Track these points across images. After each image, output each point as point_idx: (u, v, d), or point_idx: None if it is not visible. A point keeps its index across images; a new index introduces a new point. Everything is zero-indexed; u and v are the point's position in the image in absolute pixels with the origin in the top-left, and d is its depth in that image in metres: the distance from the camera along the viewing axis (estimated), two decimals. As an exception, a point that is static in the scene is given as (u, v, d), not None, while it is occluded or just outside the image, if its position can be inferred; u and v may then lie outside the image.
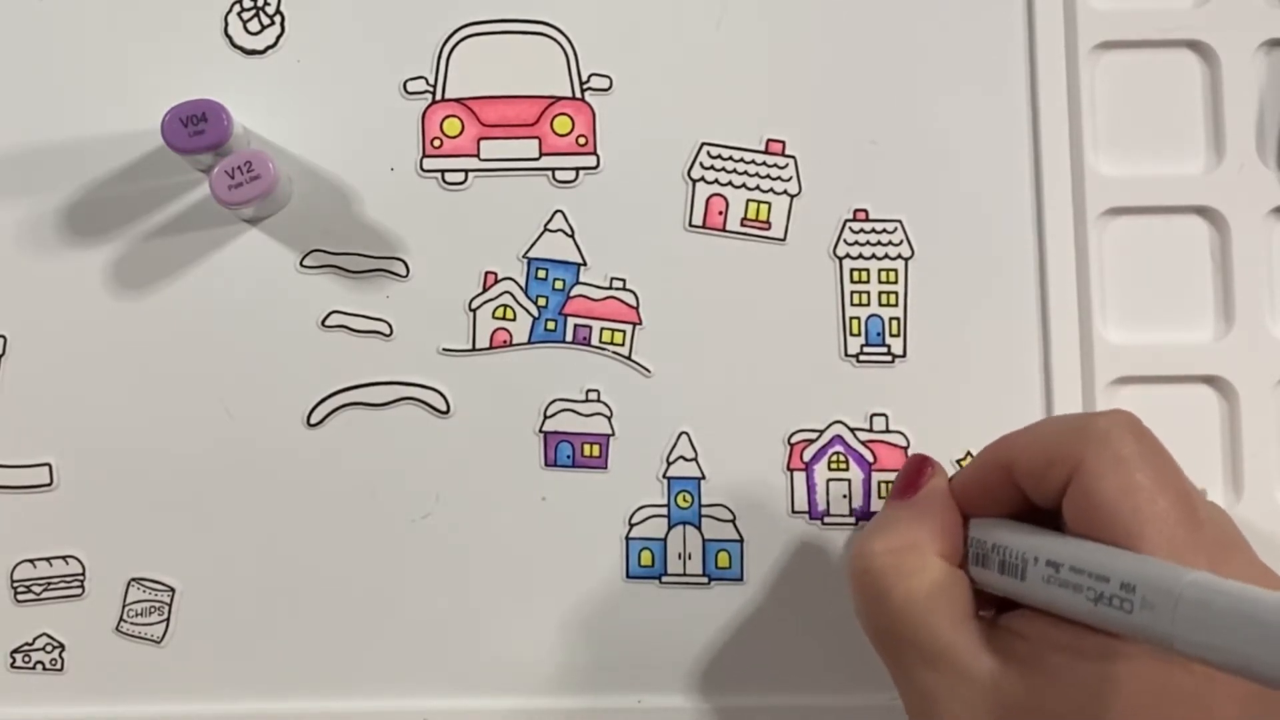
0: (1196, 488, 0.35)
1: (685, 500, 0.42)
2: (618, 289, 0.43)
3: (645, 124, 0.43)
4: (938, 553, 0.34)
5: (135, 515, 0.42)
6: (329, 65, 0.43)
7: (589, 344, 0.42)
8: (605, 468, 0.42)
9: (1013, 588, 0.33)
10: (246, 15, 0.43)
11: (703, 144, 0.43)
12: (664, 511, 0.42)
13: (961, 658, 0.32)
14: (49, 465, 0.42)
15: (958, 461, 0.42)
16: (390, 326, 0.42)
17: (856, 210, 0.43)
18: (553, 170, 0.43)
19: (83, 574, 0.42)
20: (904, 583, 0.33)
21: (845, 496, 0.42)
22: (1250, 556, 0.32)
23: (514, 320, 0.42)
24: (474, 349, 0.42)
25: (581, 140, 0.43)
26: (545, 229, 0.43)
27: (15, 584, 0.42)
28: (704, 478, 0.42)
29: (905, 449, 0.42)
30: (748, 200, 0.43)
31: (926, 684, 0.32)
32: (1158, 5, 0.43)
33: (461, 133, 0.43)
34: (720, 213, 0.43)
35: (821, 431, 0.42)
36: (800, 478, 0.42)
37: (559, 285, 0.42)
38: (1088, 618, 0.30)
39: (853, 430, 0.42)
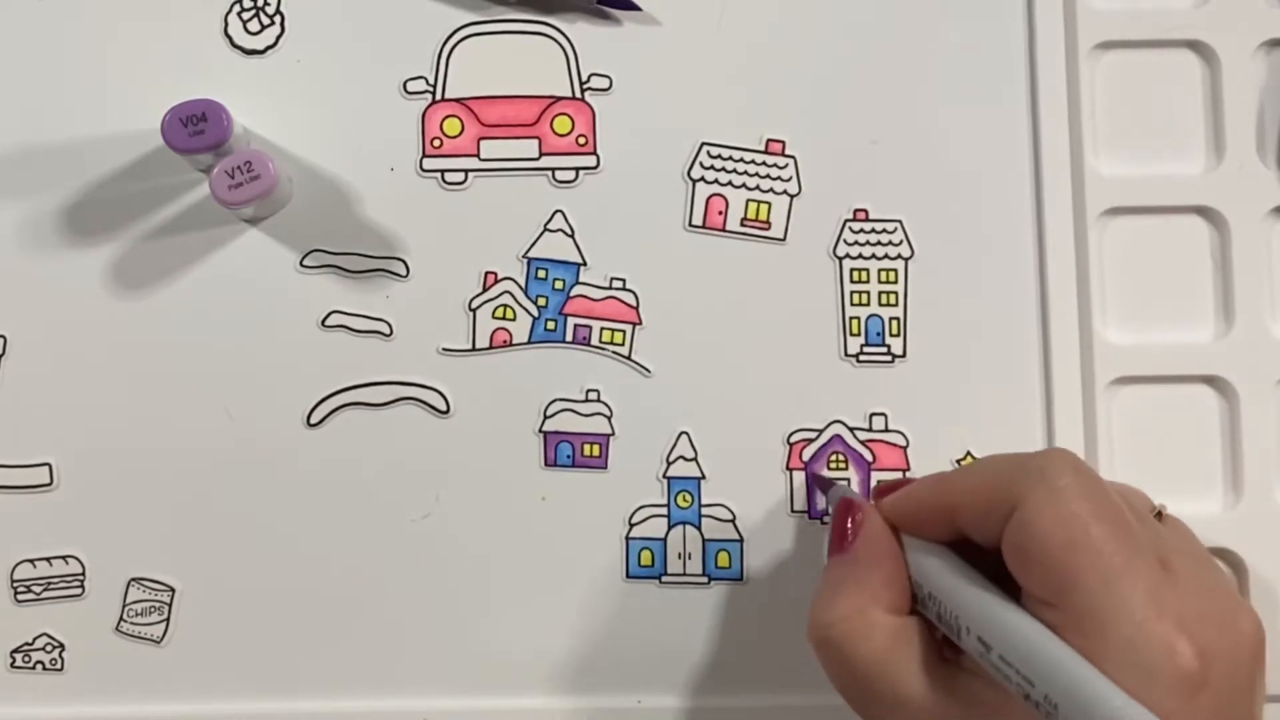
0: (1147, 507, 0.35)
1: (685, 500, 0.42)
2: (618, 289, 0.43)
3: (645, 124, 0.43)
4: (886, 609, 0.34)
5: (135, 515, 0.42)
6: (329, 65, 0.43)
7: (589, 344, 0.42)
8: (605, 468, 0.42)
9: (952, 638, 0.33)
10: (246, 15, 0.43)
11: (703, 144, 0.43)
12: (664, 511, 0.42)
13: (928, 708, 0.32)
14: (49, 465, 0.42)
15: (957, 461, 0.42)
16: (390, 326, 0.42)
17: (856, 210, 0.43)
18: (553, 170, 0.43)
19: (83, 574, 0.42)
20: (860, 647, 0.33)
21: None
22: (1197, 578, 0.32)
23: (514, 320, 0.42)
24: (474, 349, 0.42)
25: (581, 140, 0.43)
26: (545, 229, 0.43)
27: (15, 584, 0.42)
28: (704, 478, 0.42)
29: (905, 449, 0.42)
30: (748, 200, 0.43)
31: None
32: (1158, 5, 0.43)
33: (461, 133, 0.43)
34: (720, 213, 0.43)
35: (821, 431, 0.42)
36: (800, 477, 0.42)
37: (559, 285, 0.42)
38: (1021, 701, 0.30)
39: (852, 430, 0.42)
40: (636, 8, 0.43)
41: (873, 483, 0.42)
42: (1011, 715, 0.31)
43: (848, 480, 0.42)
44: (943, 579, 0.34)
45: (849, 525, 0.36)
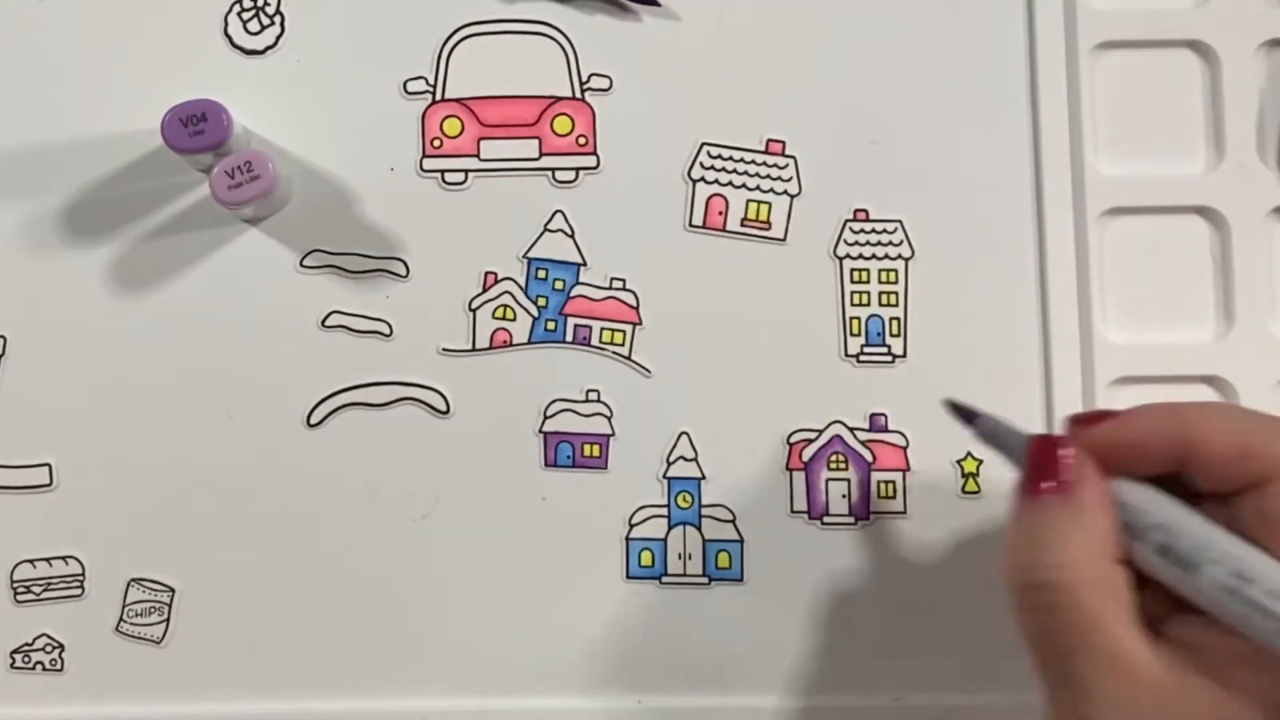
0: None
1: (685, 500, 0.42)
2: (618, 289, 0.43)
3: (645, 124, 0.43)
4: (1109, 558, 0.32)
5: (135, 515, 0.42)
6: (329, 65, 0.43)
7: (589, 344, 0.42)
8: (605, 468, 0.42)
9: (1173, 576, 0.31)
10: (246, 15, 0.43)
11: (703, 144, 0.43)
12: (664, 511, 0.42)
13: (1145, 671, 0.30)
14: (49, 465, 0.42)
15: (958, 462, 0.42)
16: (390, 326, 0.42)
17: (856, 210, 0.43)
18: (553, 170, 0.43)
19: (83, 574, 0.42)
20: (1088, 596, 0.31)
21: (845, 496, 0.42)
22: None
23: (514, 320, 0.42)
24: (474, 349, 0.42)
25: (581, 140, 0.43)
26: (545, 229, 0.43)
27: (15, 584, 0.42)
28: (704, 478, 0.42)
29: (905, 449, 0.42)
30: (748, 200, 0.43)
31: (1107, 696, 0.31)
32: (1158, 5, 0.43)
33: (461, 133, 0.43)
34: (720, 213, 0.43)
35: (821, 431, 0.42)
36: (800, 478, 0.42)
37: (559, 285, 0.42)
38: (1268, 644, 0.29)
39: (852, 430, 0.42)
40: (656, 3, 0.43)
41: (873, 483, 0.42)
42: (1232, 686, 0.30)
43: (844, 467, 0.42)
44: (1174, 509, 0.32)
45: (1059, 464, 0.33)
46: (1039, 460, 0.33)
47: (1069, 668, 0.31)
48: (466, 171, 0.43)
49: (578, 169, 0.43)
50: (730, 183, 0.43)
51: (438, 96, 0.43)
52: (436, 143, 0.43)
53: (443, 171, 0.43)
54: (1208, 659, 0.31)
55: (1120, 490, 0.32)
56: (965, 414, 0.37)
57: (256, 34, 0.43)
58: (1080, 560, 0.31)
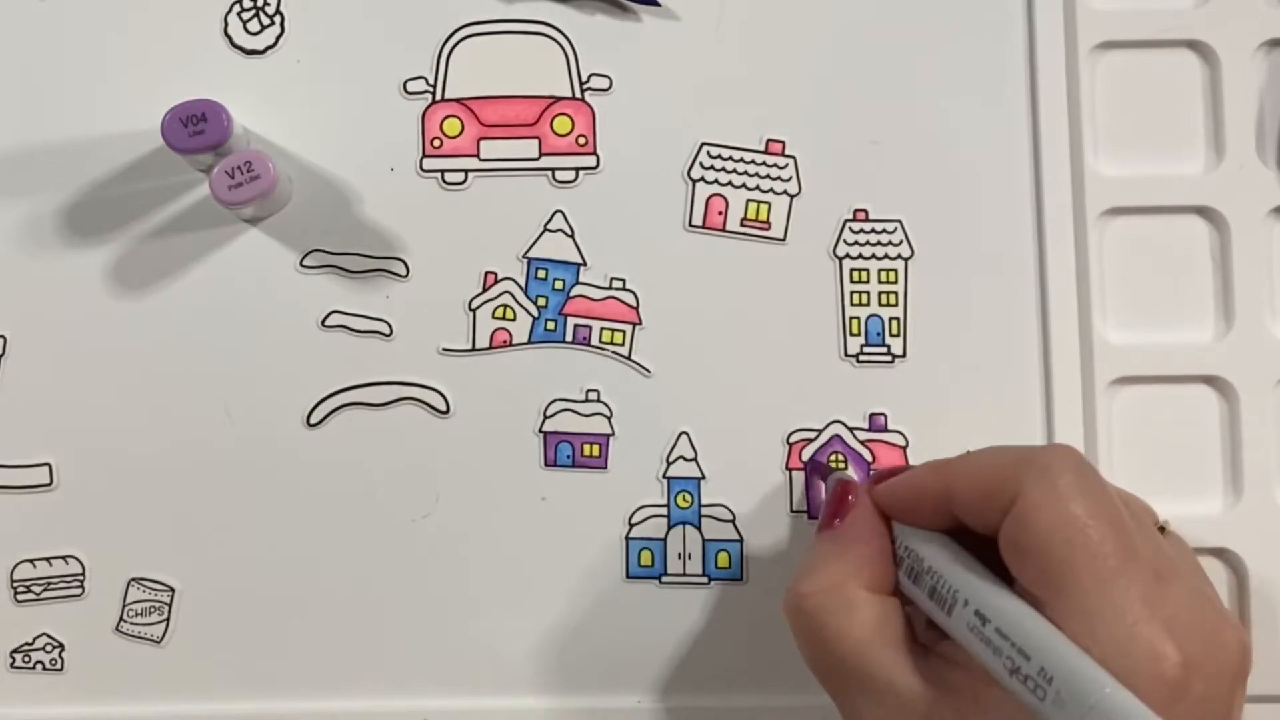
0: (1152, 520, 0.36)
1: (685, 500, 0.42)
2: (618, 289, 0.43)
3: (645, 124, 0.43)
4: (865, 586, 0.34)
5: (135, 515, 0.42)
6: (329, 65, 0.43)
7: (589, 344, 0.42)
8: (605, 468, 0.42)
9: (937, 616, 0.33)
10: (246, 15, 0.43)
11: (703, 144, 0.43)
12: (664, 511, 0.42)
13: (896, 688, 0.32)
14: (49, 465, 0.42)
15: (958, 461, 0.42)
16: (390, 326, 0.42)
17: (856, 210, 0.43)
18: (553, 170, 0.43)
19: (83, 574, 0.42)
20: (834, 621, 0.34)
21: (845, 496, 0.42)
22: (1188, 589, 0.32)
23: (514, 320, 0.42)
24: (474, 349, 0.42)
25: (581, 140, 0.43)
26: (545, 229, 0.43)
27: (15, 584, 0.42)
28: (704, 478, 0.42)
29: (904, 449, 0.42)
30: (748, 200, 0.43)
31: (866, 716, 0.33)
32: (1158, 5, 0.43)
33: (461, 133, 0.43)
34: (720, 213, 0.43)
35: (821, 431, 0.42)
36: (799, 477, 0.42)
37: (559, 285, 0.43)
38: (1001, 681, 0.30)
39: (852, 430, 0.42)
40: (656, 3, 0.43)
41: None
42: (985, 703, 0.31)
43: (844, 466, 0.42)
44: (941, 555, 0.34)
45: (841, 505, 0.36)
46: (833, 500, 0.37)
47: (829, 680, 0.34)
48: (466, 171, 0.43)
49: (578, 169, 0.43)
50: (730, 183, 0.43)
51: (438, 96, 0.43)
52: (436, 143, 0.43)
53: (443, 171, 0.43)
54: (965, 676, 0.32)
55: (905, 537, 0.35)
56: (821, 470, 0.42)
57: (256, 34, 0.43)
58: (829, 587, 0.34)
